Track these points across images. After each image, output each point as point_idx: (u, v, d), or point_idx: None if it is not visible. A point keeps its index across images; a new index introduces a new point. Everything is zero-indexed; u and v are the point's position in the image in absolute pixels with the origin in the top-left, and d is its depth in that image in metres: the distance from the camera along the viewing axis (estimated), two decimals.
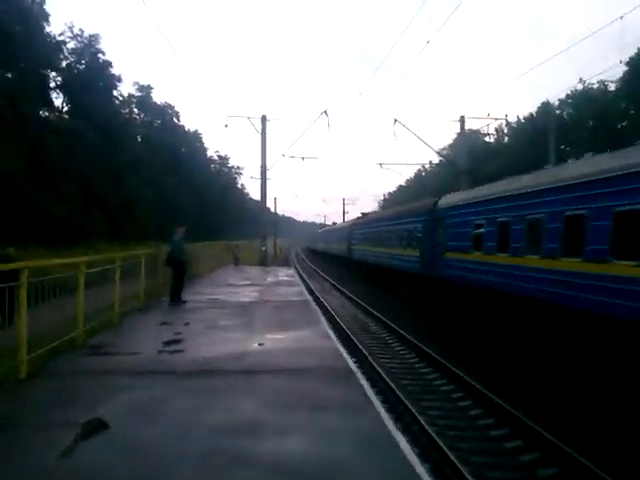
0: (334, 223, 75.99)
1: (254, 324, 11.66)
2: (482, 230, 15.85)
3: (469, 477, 6.24)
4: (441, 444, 7.21)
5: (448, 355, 12.45)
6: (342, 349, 9.55)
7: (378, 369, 11.32)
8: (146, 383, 7.07)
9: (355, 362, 9.58)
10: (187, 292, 15.99)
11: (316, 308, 15.40)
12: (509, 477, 6.92)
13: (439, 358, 12.18)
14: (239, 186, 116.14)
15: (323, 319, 13.29)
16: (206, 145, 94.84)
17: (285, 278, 24.53)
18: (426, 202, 22.91)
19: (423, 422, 8.12)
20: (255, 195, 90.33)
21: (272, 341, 9.80)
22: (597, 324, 10.14)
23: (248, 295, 17.04)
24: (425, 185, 75.43)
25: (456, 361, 11.85)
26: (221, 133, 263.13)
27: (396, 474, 4.58)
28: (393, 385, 10.12)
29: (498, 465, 7.17)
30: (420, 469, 4.65)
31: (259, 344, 9.50)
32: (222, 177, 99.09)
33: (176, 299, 14.66)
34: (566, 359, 10.98)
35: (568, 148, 50.15)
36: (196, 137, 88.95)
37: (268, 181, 32.35)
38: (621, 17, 15.28)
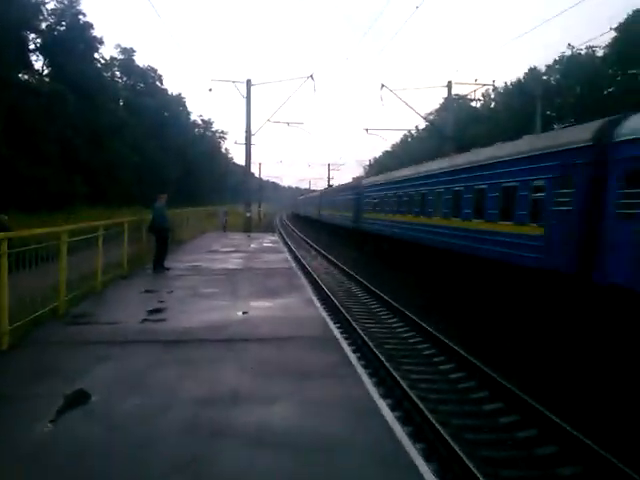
0: (312, 190, 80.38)
1: (238, 292, 11.64)
2: (380, 199, 27.36)
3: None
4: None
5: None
6: (325, 314, 9.69)
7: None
8: (129, 353, 7.06)
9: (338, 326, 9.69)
10: (170, 259, 15.91)
11: (299, 274, 15.49)
12: None
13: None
14: (223, 151, 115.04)
15: (306, 284, 13.42)
16: (190, 109, 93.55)
17: (269, 245, 24.48)
18: (357, 182, 36.26)
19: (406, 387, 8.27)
20: (239, 160, 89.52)
21: (256, 309, 9.81)
22: (487, 265, 14.50)
23: (232, 262, 16.99)
24: (411, 150, 75.11)
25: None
26: (205, 97, 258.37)
27: (379, 440, 4.65)
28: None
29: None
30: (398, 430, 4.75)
31: (243, 312, 9.51)
32: (206, 141, 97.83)
33: (159, 266, 14.59)
34: (460, 288, 16.02)
35: (554, 114, 50.11)
36: (179, 101, 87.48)
37: (252, 146, 31.93)
38: None
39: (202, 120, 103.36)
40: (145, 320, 8.89)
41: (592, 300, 10.00)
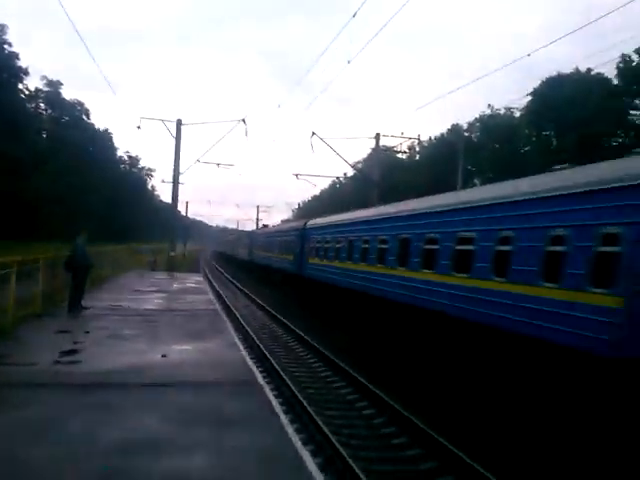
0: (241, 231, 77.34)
1: (158, 334, 11.33)
2: (328, 244, 22.91)
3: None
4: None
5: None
6: (249, 359, 9.58)
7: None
8: (40, 397, 6.69)
9: (262, 372, 9.58)
10: (89, 298, 15.30)
11: (222, 314, 15.33)
12: None
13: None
14: (149, 188, 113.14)
15: (229, 325, 13.27)
16: (117, 146, 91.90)
17: (193, 285, 24.04)
18: (300, 223, 30.17)
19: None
20: (167, 198, 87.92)
21: (177, 352, 9.58)
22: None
23: (154, 302, 16.56)
24: (340, 196, 76.67)
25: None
26: (134, 135, 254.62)
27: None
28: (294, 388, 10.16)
29: None
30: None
31: (162, 355, 9.25)
32: (132, 178, 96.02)
33: (76, 306, 13.96)
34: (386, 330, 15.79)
35: (474, 168, 52.83)
36: (106, 136, 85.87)
37: (181, 185, 31.51)
38: (528, 54, 16.22)
39: (129, 156, 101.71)
40: (58, 362, 8.47)
41: None
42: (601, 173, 8.99)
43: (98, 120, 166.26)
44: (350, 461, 7.01)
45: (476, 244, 11.54)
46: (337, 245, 21.44)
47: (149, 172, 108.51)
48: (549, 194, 9.67)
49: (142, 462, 4.93)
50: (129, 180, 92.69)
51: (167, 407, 6.53)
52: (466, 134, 54.51)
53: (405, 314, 14.62)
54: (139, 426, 5.85)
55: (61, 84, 70.88)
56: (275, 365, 12.44)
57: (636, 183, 7.87)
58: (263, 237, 41.57)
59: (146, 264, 35.38)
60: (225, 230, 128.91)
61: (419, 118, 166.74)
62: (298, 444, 5.72)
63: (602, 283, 8.14)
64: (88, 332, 11.09)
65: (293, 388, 10.57)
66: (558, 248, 9.16)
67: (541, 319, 9.23)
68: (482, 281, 11.04)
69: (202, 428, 5.90)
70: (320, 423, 8.55)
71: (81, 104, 76.80)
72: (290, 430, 6.13)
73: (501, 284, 10.44)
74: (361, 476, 6.58)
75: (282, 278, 31.50)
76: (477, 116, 58.78)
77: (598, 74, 43.25)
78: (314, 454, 6.92)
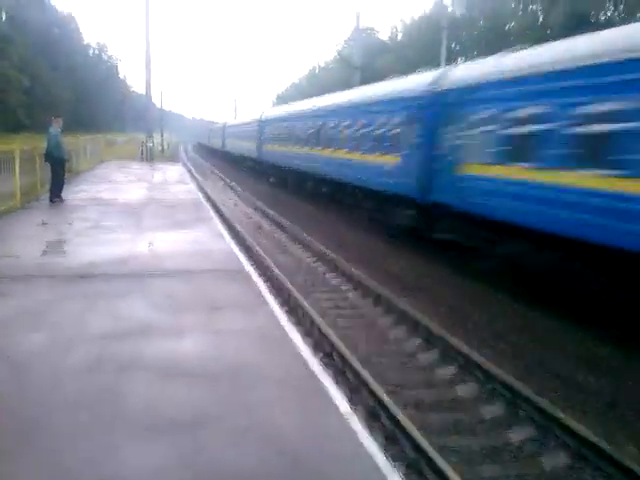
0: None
1: (142, 224, 11.26)
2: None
3: None
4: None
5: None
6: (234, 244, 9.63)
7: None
8: (27, 289, 6.70)
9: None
10: (69, 190, 15.05)
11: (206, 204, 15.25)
12: None
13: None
14: (121, 77, 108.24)
15: (214, 216, 13.21)
16: (82, 31, 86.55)
17: (174, 175, 23.69)
18: (258, 115, 34.91)
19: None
20: (140, 89, 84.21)
21: (162, 242, 9.56)
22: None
23: (135, 193, 16.33)
24: (319, 83, 74.18)
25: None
26: (101, 20, 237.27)
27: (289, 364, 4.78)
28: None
29: None
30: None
31: (148, 244, 9.25)
32: (100, 65, 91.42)
33: (57, 197, 13.77)
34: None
35: (458, 47, 51.01)
36: (70, 19, 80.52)
37: (155, 76, 30.17)
38: None
39: (97, 43, 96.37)
40: (43, 254, 8.44)
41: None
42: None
43: (60, 3, 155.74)
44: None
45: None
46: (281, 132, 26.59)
47: (118, 60, 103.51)
48: None
49: (133, 346, 5.02)
50: (98, 68, 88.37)
51: (156, 295, 6.57)
52: (450, 10, 52.03)
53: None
54: (128, 313, 5.91)
55: None
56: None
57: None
58: (232, 129, 46.49)
59: (124, 155, 34.54)
60: (202, 122, 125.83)
61: None
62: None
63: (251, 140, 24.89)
64: (71, 224, 10.99)
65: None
66: None
67: None
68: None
69: (192, 313, 5.99)
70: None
71: None
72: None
73: None
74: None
75: (247, 162, 37.65)
76: None
77: None
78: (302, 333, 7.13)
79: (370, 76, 35.35)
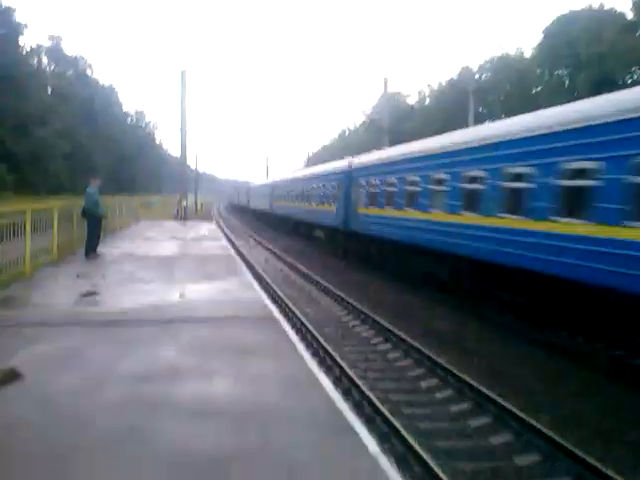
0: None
1: (174, 276, 11.46)
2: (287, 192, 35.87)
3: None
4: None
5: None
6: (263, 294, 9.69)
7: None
8: (62, 334, 6.84)
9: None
10: (104, 246, 15.47)
11: (235, 257, 15.46)
12: None
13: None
14: (157, 141, 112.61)
15: (244, 269, 13.37)
16: (122, 100, 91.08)
17: (207, 233, 24.18)
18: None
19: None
20: (176, 153, 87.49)
21: (194, 292, 9.70)
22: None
23: (169, 249, 16.70)
24: (349, 145, 75.93)
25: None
26: (139, 90, 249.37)
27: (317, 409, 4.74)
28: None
29: None
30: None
31: (180, 295, 9.40)
32: (138, 132, 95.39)
33: (92, 252, 14.15)
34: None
35: (485, 110, 51.86)
36: (111, 91, 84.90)
37: (190, 139, 31.47)
38: None
39: (135, 111, 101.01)
40: (78, 303, 8.63)
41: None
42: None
43: (101, 75, 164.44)
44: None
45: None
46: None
47: (155, 126, 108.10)
48: None
49: (162, 388, 5.06)
50: (135, 134, 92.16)
51: (186, 340, 6.65)
52: (476, 76, 53.35)
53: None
54: (159, 357, 5.98)
55: (60, 38, 69.84)
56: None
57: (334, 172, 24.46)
58: (254, 189, 51.66)
59: (159, 215, 35.47)
60: (234, 182, 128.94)
61: (428, 61, 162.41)
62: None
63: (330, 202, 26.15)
64: (104, 276, 11.25)
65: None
66: None
67: None
68: None
69: (221, 358, 6.03)
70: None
71: (83, 58, 75.70)
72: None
73: None
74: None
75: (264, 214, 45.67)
76: (487, 58, 57.48)
77: (611, 9, 41.82)
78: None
79: (398, 139, 36.11)
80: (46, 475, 3.60)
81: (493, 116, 51.74)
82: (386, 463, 3.89)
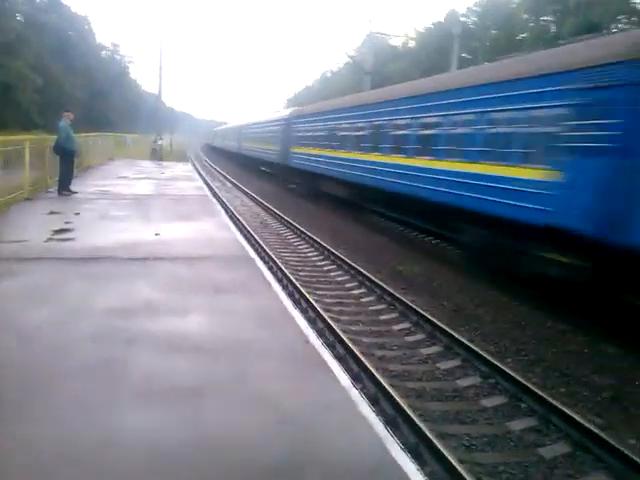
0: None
1: (150, 215, 11.34)
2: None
3: None
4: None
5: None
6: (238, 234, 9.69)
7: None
8: (34, 269, 6.78)
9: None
10: (77, 183, 15.19)
11: (214, 200, 15.35)
12: None
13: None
14: (132, 77, 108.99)
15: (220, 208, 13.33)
16: (96, 31, 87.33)
17: (182, 173, 23.85)
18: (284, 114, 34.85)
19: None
20: (151, 89, 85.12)
21: (169, 231, 9.64)
22: None
23: (143, 188, 16.46)
24: (331, 86, 74.51)
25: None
26: (114, 20, 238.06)
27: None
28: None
29: None
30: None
31: (155, 234, 9.33)
32: (114, 65, 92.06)
33: (65, 189, 13.89)
34: None
35: (470, 56, 51.04)
36: (84, 20, 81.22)
37: (165, 76, 30.52)
38: None
39: (111, 43, 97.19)
40: (51, 239, 8.53)
41: None
42: None
43: (75, 4, 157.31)
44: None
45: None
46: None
47: (130, 60, 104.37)
48: None
49: (137, 323, 5.09)
50: (111, 68, 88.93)
51: (161, 277, 6.65)
52: (462, 19, 52.17)
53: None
54: (134, 293, 5.98)
55: None
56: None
57: None
58: (251, 129, 43.48)
59: (133, 154, 34.80)
60: (212, 123, 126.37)
61: (414, 3, 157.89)
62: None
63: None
64: (78, 213, 11.08)
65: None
66: None
67: None
68: None
69: (197, 295, 6.06)
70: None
71: None
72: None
73: None
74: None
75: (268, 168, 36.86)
76: (476, 1, 56.19)
77: None
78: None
79: (380, 81, 35.53)
80: (21, 400, 3.64)
81: (477, 61, 51.04)
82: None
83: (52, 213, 11.04)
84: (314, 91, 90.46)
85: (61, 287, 6.07)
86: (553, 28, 46.62)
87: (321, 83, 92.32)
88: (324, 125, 21.76)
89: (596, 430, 5.22)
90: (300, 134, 25.37)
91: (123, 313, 5.30)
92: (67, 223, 9.94)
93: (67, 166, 14.14)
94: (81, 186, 15.19)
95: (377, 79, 36.16)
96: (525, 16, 49.59)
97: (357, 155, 17.85)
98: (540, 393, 5.93)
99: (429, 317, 8.25)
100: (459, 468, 4.45)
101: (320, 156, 21.59)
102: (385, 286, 9.85)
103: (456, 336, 7.51)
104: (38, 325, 4.93)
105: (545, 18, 47.78)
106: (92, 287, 6.10)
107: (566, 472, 4.89)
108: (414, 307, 8.72)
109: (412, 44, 63.41)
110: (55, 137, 14.34)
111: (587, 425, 5.30)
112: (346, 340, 7.13)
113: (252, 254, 8.52)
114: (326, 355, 4.70)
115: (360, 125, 17.94)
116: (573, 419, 5.41)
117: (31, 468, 2.98)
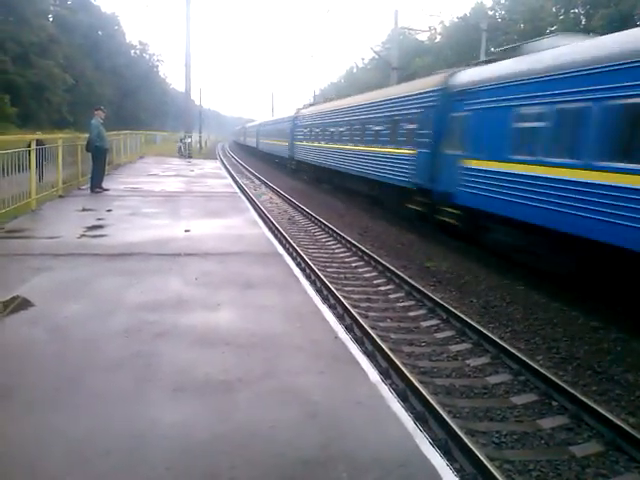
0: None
1: (180, 212, 11.50)
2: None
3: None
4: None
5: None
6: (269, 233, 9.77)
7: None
8: (69, 264, 6.93)
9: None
10: (109, 181, 15.46)
11: (242, 197, 15.44)
12: None
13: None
14: (161, 75, 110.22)
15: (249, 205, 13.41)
16: (125, 30, 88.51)
17: (210, 171, 24.08)
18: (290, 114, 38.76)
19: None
20: (179, 87, 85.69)
21: (199, 228, 9.76)
22: None
23: (173, 185, 16.67)
24: (356, 81, 74.29)
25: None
26: (142, 19, 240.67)
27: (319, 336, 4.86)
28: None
29: None
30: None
31: (185, 230, 9.46)
32: (143, 64, 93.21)
33: (97, 186, 14.15)
34: None
35: (497, 50, 50.31)
36: (114, 20, 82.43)
37: (194, 73, 30.89)
38: None
39: (139, 42, 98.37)
40: (83, 235, 8.71)
41: None
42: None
43: (104, 2, 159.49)
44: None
45: None
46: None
47: (159, 58, 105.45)
48: None
49: (168, 317, 5.17)
50: (140, 67, 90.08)
51: (192, 273, 6.74)
52: (490, 13, 51.54)
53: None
54: (165, 288, 6.08)
55: None
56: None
57: None
58: (266, 127, 49.78)
59: (162, 152, 35.25)
60: (239, 120, 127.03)
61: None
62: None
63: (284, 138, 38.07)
64: (110, 210, 11.29)
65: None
66: None
67: None
68: None
69: (227, 290, 6.13)
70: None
71: None
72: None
73: None
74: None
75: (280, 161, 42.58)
76: None
77: None
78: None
79: (407, 76, 35.26)
80: (58, 389, 3.76)
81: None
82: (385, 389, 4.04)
83: (85, 210, 11.27)
84: (340, 87, 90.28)
85: (94, 282, 6.20)
86: (583, 20, 45.76)
87: (346, 79, 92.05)
88: (312, 122, 28.94)
89: (629, 429, 5.14)
90: (300, 130, 31.88)
91: (155, 308, 5.40)
92: (99, 220, 10.13)
93: (99, 164, 14.40)
94: (112, 183, 15.46)
95: (403, 75, 35.96)
96: (554, 9, 48.74)
97: (324, 145, 25.39)
98: (572, 391, 5.86)
99: (458, 314, 8.20)
100: (488, 464, 4.43)
101: (312, 148, 28.31)
102: (413, 282, 9.83)
103: (486, 333, 7.45)
104: (72, 319, 5.05)
105: (575, 10, 46.91)
106: (124, 282, 6.22)
107: (598, 471, 4.82)
108: (443, 304, 8.68)
109: (438, 39, 62.82)
110: (86, 135, 14.62)
111: (620, 424, 5.22)
112: (374, 336, 7.14)
113: (280, 250, 8.57)
114: (355, 351, 4.72)
115: (331, 123, 24.70)
116: (606, 417, 5.34)
117: (68, 457, 3.07)
